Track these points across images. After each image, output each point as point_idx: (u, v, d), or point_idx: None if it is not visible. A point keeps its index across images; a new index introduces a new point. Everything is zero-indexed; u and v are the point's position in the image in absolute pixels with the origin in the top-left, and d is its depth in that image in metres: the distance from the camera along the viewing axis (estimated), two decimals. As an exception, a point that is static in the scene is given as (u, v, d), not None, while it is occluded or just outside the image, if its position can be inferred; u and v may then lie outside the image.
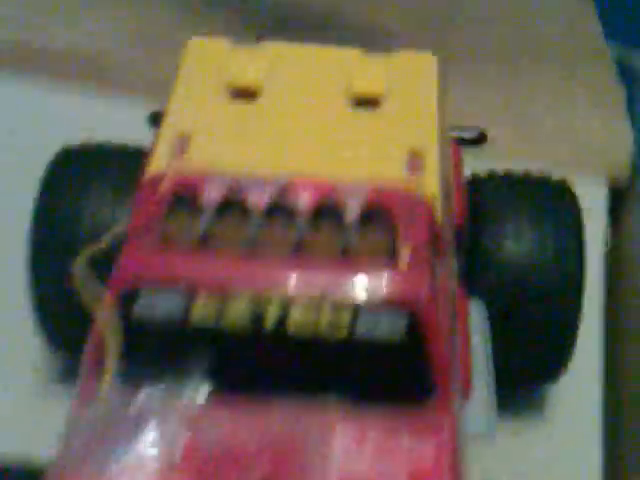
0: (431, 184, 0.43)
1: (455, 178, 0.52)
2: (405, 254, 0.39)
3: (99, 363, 0.38)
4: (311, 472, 0.35)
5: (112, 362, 0.38)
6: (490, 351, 0.45)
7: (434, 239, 0.41)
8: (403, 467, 0.35)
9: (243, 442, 0.36)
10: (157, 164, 0.45)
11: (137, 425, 0.36)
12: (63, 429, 0.37)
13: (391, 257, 0.39)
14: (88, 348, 0.39)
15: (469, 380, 0.43)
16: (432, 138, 0.45)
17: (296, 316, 0.38)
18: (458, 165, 0.55)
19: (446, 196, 0.46)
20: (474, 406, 0.43)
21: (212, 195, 0.42)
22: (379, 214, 0.40)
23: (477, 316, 0.47)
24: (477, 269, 0.49)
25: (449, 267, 0.44)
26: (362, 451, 0.36)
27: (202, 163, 0.44)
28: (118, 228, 0.44)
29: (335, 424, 0.37)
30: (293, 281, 0.38)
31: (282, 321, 0.38)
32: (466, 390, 0.42)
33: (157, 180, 0.43)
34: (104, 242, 0.45)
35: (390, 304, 0.38)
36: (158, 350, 0.39)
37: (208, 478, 0.35)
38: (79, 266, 0.43)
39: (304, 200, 0.41)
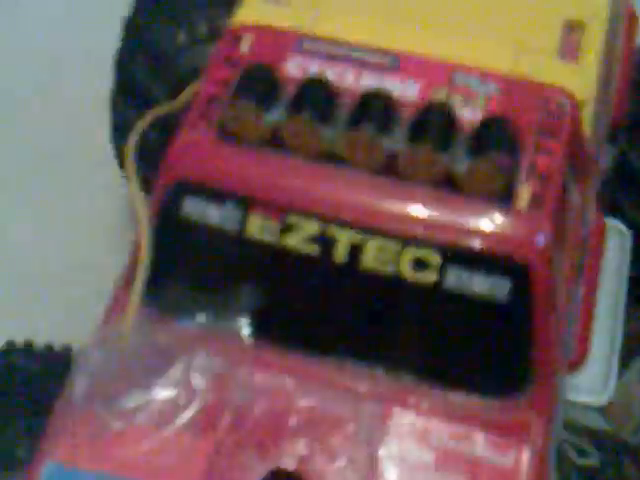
0: (586, 79, 0.32)
1: (624, 59, 0.40)
2: (526, 188, 0.29)
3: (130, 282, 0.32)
4: (346, 465, 0.28)
5: (140, 286, 0.31)
6: (624, 295, 0.36)
7: (573, 161, 0.31)
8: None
9: (275, 412, 0.29)
10: (246, 13, 0.36)
11: (160, 365, 0.30)
12: (80, 356, 0.31)
13: (507, 189, 0.29)
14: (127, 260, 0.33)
15: (585, 351, 0.34)
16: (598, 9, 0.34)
17: (373, 251, 0.30)
18: (630, 40, 0.42)
19: (604, 90, 0.35)
20: (589, 370, 0.34)
21: (296, 70, 0.33)
22: (502, 123, 0.30)
23: (616, 248, 0.37)
24: (625, 184, 0.38)
25: (589, 193, 0.34)
26: (420, 455, 0.27)
27: (296, 22, 0.35)
28: (190, 90, 0.37)
29: (395, 409, 0.29)
30: (376, 207, 0.30)
31: (355, 255, 0.30)
32: (578, 363, 0.34)
33: (239, 35, 0.35)
34: (176, 103, 0.38)
35: (494, 253, 0.29)
36: (198, 276, 0.32)
37: (225, 454, 0.28)
38: (135, 136, 0.36)
39: (411, 88, 0.32)
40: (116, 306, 0.32)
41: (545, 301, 0.28)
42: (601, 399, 0.35)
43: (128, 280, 0.32)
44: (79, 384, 0.29)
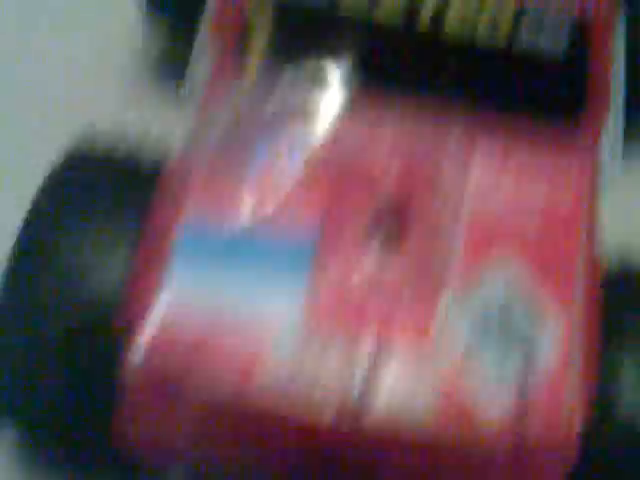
0: None
1: None
2: None
3: (240, 43, 0.32)
4: (443, 199, 0.29)
5: (261, 42, 0.32)
6: (622, 77, 0.36)
7: None
8: (540, 204, 0.29)
9: (377, 156, 0.30)
10: None
11: (274, 125, 0.31)
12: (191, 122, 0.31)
13: None
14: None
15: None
16: None
17: (454, 13, 0.34)
18: None
19: None
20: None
21: None
22: None
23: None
24: None
25: None
26: (499, 183, 0.30)
27: None
28: None
29: (476, 145, 0.31)
30: None
31: (438, 17, 0.34)
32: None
33: None
34: None
35: (560, 12, 0.34)
36: (301, 41, 0.33)
37: (336, 192, 0.29)
38: None
39: None
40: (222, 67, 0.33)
41: (604, 47, 0.33)
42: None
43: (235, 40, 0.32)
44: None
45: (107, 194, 0.29)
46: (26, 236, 0.28)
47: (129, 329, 0.25)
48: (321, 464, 0.24)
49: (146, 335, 0.25)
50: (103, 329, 0.25)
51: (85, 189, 0.29)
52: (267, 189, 0.29)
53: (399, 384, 0.24)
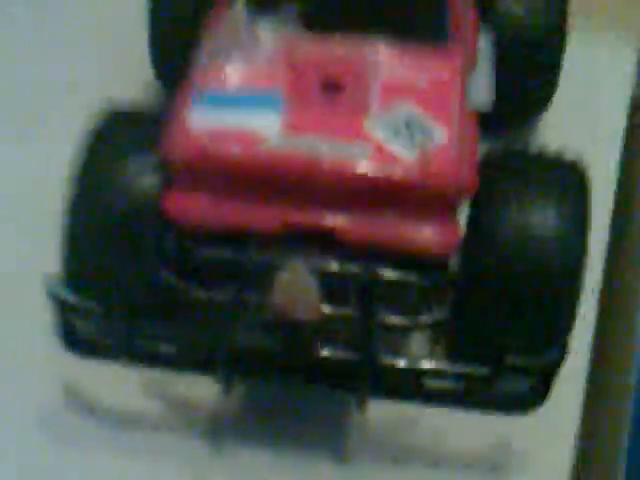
0: None
1: None
2: None
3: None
4: (366, 71, 0.43)
5: None
6: (493, 61, 0.52)
7: None
8: (428, 75, 0.43)
9: (323, 52, 0.44)
10: None
11: (254, 37, 0.44)
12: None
13: None
14: None
15: (474, 57, 0.49)
16: None
17: None
18: None
19: None
20: (477, 79, 0.49)
21: None
22: None
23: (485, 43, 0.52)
24: None
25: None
26: (401, 64, 0.43)
27: None
28: None
29: (384, 49, 0.45)
30: None
31: None
32: (472, 63, 0.48)
33: None
34: None
35: None
36: None
37: (296, 70, 0.43)
38: None
39: None
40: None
41: None
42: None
43: None
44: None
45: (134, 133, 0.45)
46: (86, 158, 0.43)
47: (171, 138, 0.40)
48: (306, 192, 0.38)
49: (185, 131, 0.39)
50: (144, 213, 0.40)
51: (120, 132, 0.45)
52: (250, 70, 0.42)
53: (347, 148, 0.38)
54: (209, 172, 0.36)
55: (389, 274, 0.35)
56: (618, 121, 0.56)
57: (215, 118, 0.38)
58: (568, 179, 0.41)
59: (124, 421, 0.43)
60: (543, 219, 0.37)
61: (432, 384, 0.33)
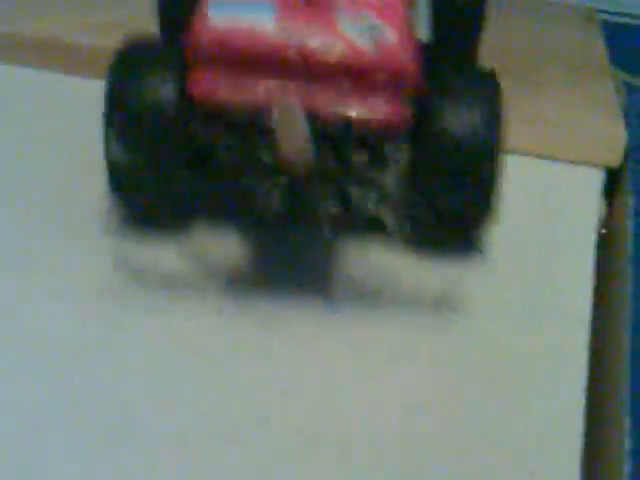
0: None
1: None
2: None
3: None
4: None
5: None
6: None
7: None
8: None
9: None
10: None
11: None
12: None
13: None
14: None
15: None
16: None
17: None
18: None
19: None
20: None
21: None
22: None
23: None
24: None
25: None
26: None
27: None
28: None
29: None
30: None
31: None
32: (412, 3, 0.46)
33: None
34: None
35: None
36: None
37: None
38: None
39: None
40: None
41: None
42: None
43: None
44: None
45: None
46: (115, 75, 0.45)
47: (195, 30, 0.42)
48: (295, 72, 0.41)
49: (205, 23, 0.42)
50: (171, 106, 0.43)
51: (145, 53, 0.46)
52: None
53: (322, 37, 0.41)
54: (224, 54, 0.41)
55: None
56: (586, 242, 0.56)
57: (226, 16, 0.42)
58: (487, 85, 0.46)
59: (170, 286, 0.48)
60: (471, 114, 0.43)
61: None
